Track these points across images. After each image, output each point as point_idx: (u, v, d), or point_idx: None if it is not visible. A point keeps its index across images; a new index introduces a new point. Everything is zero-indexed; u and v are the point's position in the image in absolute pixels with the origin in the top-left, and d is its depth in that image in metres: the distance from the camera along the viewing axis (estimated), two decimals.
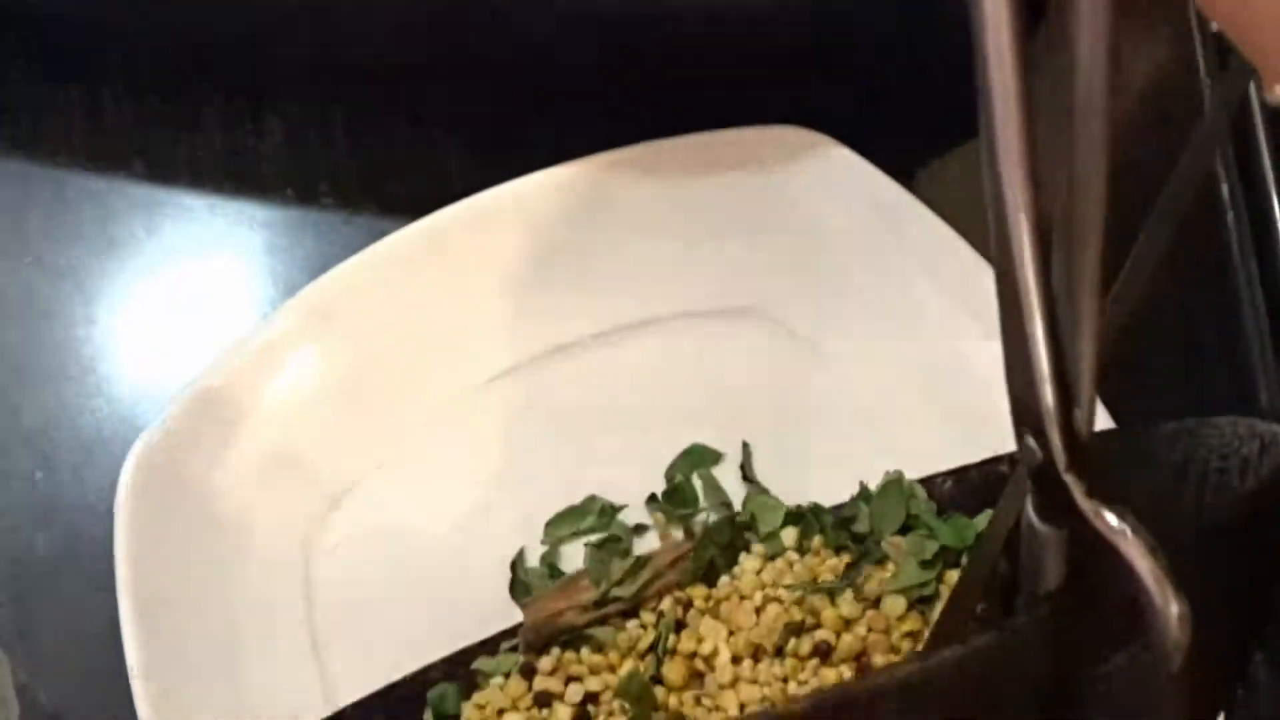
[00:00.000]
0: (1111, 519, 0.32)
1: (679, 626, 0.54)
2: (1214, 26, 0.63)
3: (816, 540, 0.55)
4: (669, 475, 0.59)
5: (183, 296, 0.64)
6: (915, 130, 0.64)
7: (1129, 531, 0.32)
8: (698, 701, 0.52)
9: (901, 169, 0.60)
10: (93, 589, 0.58)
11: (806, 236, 0.61)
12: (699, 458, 0.60)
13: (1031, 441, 0.33)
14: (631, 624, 0.55)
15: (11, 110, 0.67)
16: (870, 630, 0.52)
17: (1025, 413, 0.33)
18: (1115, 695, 0.35)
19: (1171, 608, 0.31)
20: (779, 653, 0.53)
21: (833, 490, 0.57)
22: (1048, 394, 0.32)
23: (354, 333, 0.59)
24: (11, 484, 0.60)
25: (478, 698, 0.53)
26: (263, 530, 0.57)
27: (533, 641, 0.54)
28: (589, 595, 0.55)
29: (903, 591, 0.53)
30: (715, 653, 0.53)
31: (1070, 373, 0.33)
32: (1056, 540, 0.36)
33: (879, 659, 0.52)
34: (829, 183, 0.61)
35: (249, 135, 0.67)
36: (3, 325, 0.63)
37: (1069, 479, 0.33)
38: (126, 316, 0.64)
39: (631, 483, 0.59)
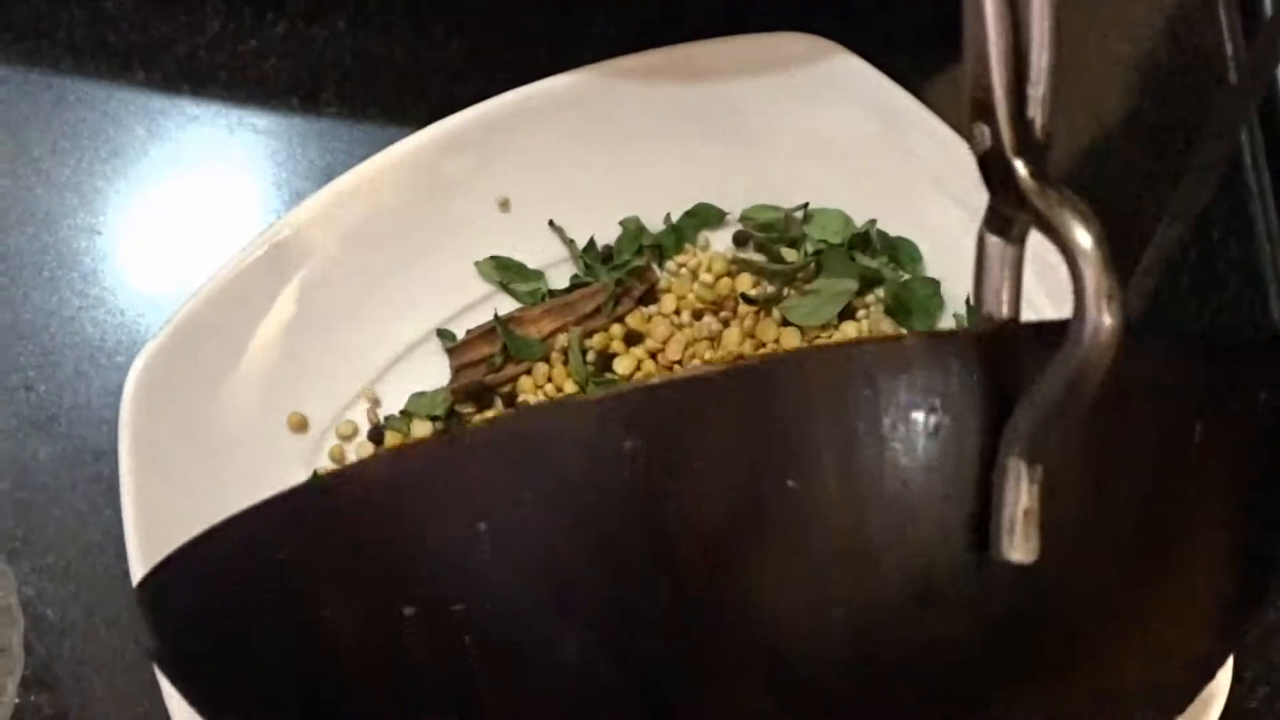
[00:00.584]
0: (1053, 195, 0.30)
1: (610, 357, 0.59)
2: None
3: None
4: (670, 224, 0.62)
5: (186, 205, 0.64)
6: (922, 38, 0.64)
7: (1075, 217, 0.29)
8: None
9: (909, 77, 0.60)
10: (96, 499, 0.58)
11: (813, 144, 0.61)
12: (705, 217, 0.62)
13: (983, 127, 0.31)
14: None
15: (11, 18, 0.66)
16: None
17: (979, 99, 0.31)
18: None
19: (1104, 300, 0.28)
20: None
21: None
22: (996, 65, 0.31)
23: (359, 241, 0.59)
24: (14, 394, 0.60)
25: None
26: (267, 439, 0.57)
27: (460, 391, 0.58)
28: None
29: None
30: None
31: (1024, 46, 0.31)
32: (1010, 260, 0.34)
33: None
34: (837, 89, 0.60)
35: (252, 42, 0.66)
36: (3, 235, 0.63)
37: (1016, 163, 0.31)
38: (129, 226, 0.64)
39: None
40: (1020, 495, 0.30)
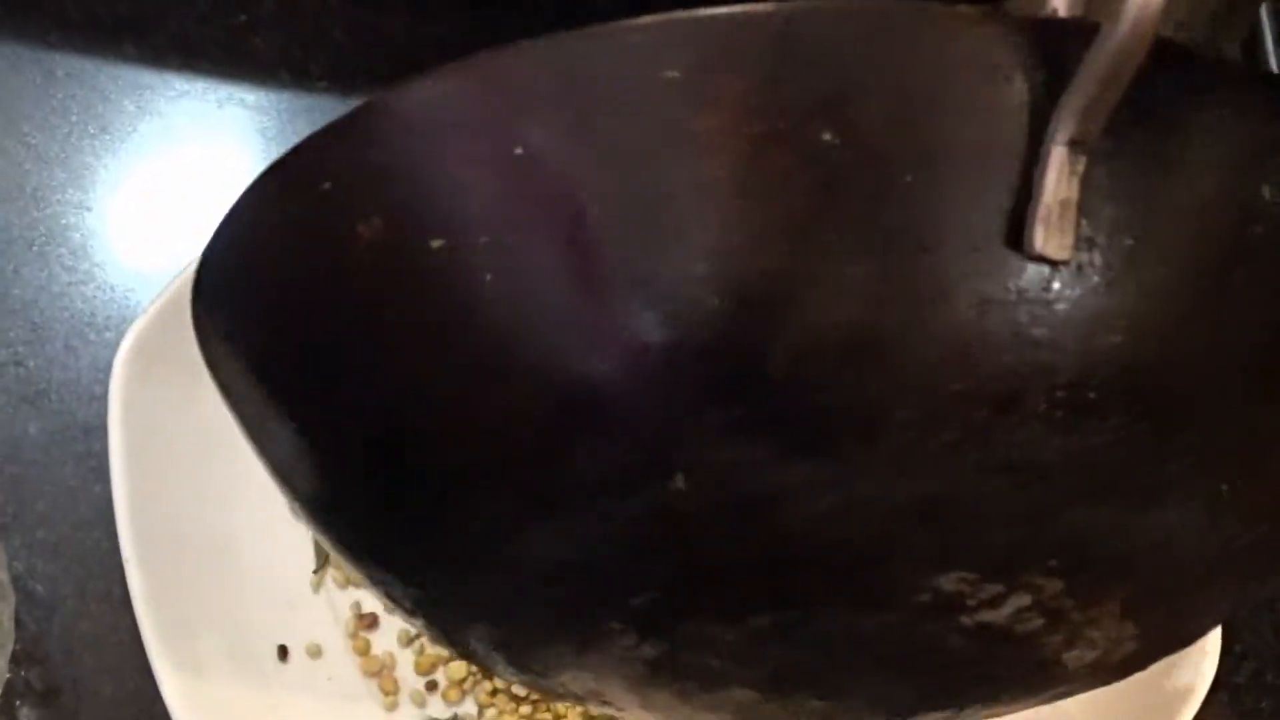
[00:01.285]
0: None
1: None
2: None
3: None
4: None
5: (175, 181, 0.64)
6: None
7: None
8: None
9: None
10: (86, 475, 0.58)
11: None
12: None
13: None
14: None
15: None
16: None
17: None
18: None
19: None
20: None
21: None
22: None
23: None
24: (4, 369, 0.60)
25: None
26: None
27: None
28: None
29: None
30: None
31: None
32: None
33: None
34: None
35: (242, 17, 0.66)
36: None
37: None
38: (118, 201, 0.63)
39: None
40: (1059, 184, 0.29)
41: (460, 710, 0.55)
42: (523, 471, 0.32)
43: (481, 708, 0.55)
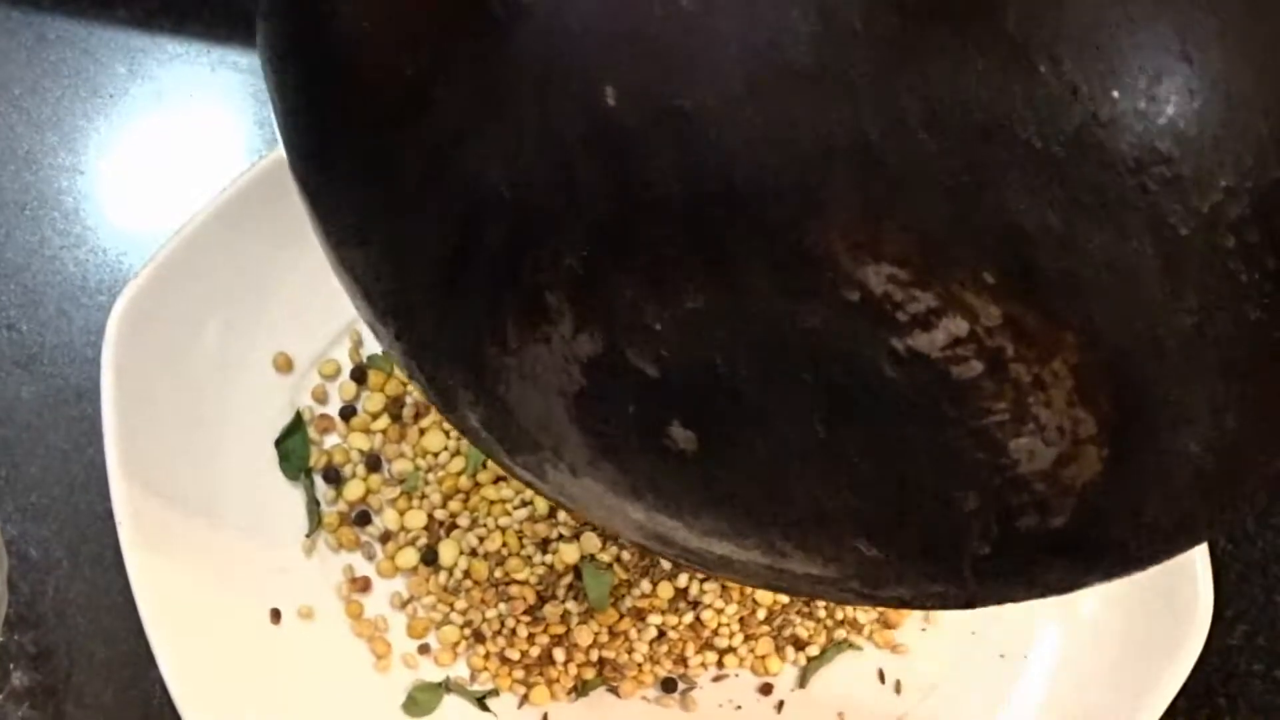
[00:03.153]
0: None
1: None
2: None
3: None
4: None
5: (167, 144, 0.64)
6: None
7: None
8: None
9: None
10: (79, 438, 0.58)
11: None
12: None
13: None
14: None
15: None
16: None
17: None
18: None
19: None
20: None
21: None
22: None
23: None
24: None
25: None
26: (250, 378, 0.57)
27: None
28: None
29: None
30: None
31: None
32: None
33: None
34: None
35: None
36: None
37: None
38: (110, 164, 0.63)
39: None
40: None
41: (452, 674, 0.55)
42: (461, 78, 0.31)
43: (474, 672, 0.55)
